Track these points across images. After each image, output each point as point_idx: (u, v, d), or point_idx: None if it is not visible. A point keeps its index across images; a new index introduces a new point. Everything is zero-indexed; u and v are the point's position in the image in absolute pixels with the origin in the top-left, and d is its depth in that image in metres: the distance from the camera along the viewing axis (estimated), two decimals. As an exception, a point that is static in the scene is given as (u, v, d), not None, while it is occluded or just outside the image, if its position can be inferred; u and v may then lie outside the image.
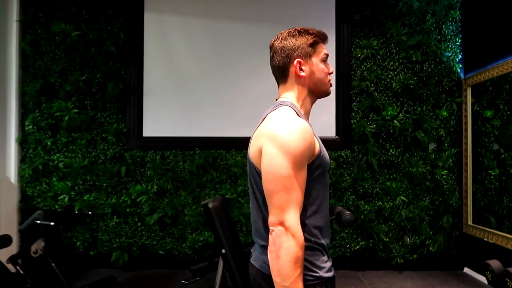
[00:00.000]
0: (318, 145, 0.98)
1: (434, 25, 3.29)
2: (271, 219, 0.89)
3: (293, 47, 1.03)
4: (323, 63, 1.06)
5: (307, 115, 1.09)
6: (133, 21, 3.35)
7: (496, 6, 2.92)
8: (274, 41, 1.07)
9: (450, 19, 3.29)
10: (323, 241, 1.00)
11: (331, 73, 1.09)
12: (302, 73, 1.03)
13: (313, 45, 1.04)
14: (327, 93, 1.09)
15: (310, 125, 0.99)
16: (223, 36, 3.37)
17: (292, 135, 0.90)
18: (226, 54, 3.37)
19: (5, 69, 3.24)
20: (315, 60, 1.04)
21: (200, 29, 3.37)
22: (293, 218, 0.87)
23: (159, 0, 3.38)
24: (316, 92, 1.07)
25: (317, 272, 0.96)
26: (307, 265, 0.95)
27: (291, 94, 1.06)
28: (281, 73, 1.07)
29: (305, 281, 0.94)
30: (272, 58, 1.07)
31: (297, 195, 0.89)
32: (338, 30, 3.34)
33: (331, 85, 1.10)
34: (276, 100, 1.09)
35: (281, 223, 0.87)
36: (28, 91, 3.27)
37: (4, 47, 3.23)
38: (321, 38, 1.06)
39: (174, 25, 3.38)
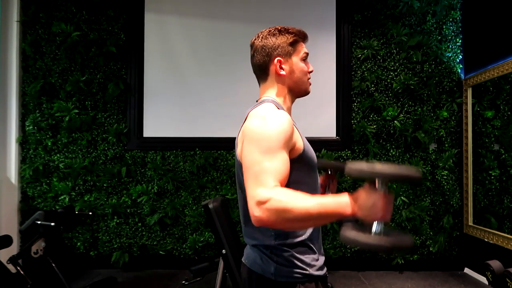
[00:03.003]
0: (302, 141, 0.98)
1: (435, 26, 3.30)
2: (249, 204, 0.79)
3: (273, 46, 1.03)
4: (303, 62, 1.07)
5: (289, 112, 1.08)
6: (133, 21, 3.35)
7: (496, 7, 2.92)
8: (255, 39, 1.07)
9: (451, 19, 3.30)
10: (312, 239, 0.99)
11: (311, 71, 1.09)
12: (282, 72, 1.04)
13: (293, 44, 1.05)
14: (306, 92, 1.09)
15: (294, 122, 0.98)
16: (224, 36, 3.37)
17: (270, 120, 0.89)
18: (227, 54, 3.37)
19: (6, 69, 3.24)
20: (295, 59, 1.05)
21: (200, 30, 3.37)
22: (264, 189, 0.78)
23: (160, 0, 3.38)
24: (296, 91, 1.08)
25: (306, 270, 0.96)
26: (297, 263, 0.96)
27: (271, 92, 1.06)
28: (261, 72, 1.08)
29: (294, 278, 0.95)
30: (252, 56, 1.08)
31: (272, 166, 0.81)
32: (339, 31, 3.34)
33: (310, 84, 1.10)
34: (257, 101, 1.08)
35: (256, 203, 0.76)
36: (29, 92, 3.27)
37: (5, 47, 3.23)
38: (301, 37, 1.07)
39: (175, 25, 3.38)
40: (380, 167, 0.75)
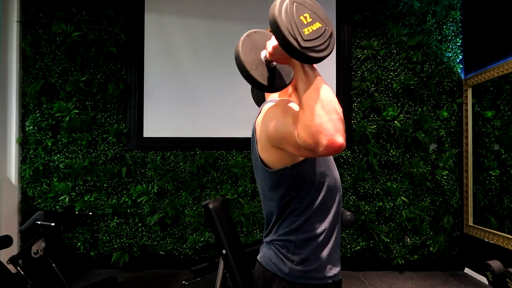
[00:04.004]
0: None
1: (435, 26, 3.30)
2: (301, 145, 0.77)
3: None
4: None
5: None
6: (133, 21, 3.35)
7: (496, 7, 2.92)
8: None
9: (451, 19, 3.30)
10: (332, 229, 0.98)
11: None
12: None
13: None
14: None
15: None
16: (224, 36, 3.37)
17: (271, 108, 0.92)
18: (227, 54, 3.37)
19: (6, 69, 3.24)
20: None
21: (200, 30, 3.37)
22: (294, 132, 0.79)
23: (160, 0, 3.38)
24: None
25: (322, 273, 0.96)
26: (313, 263, 0.95)
27: (276, 93, 1.08)
28: None
29: (308, 280, 0.94)
30: None
31: (291, 118, 0.82)
32: (339, 31, 3.34)
33: None
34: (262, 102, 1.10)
35: (301, 144, 0.76)
36: (29, 92, 3.27)
37: (5, 47, 3.23)
38: None
39: (175, 25, 3.38)
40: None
